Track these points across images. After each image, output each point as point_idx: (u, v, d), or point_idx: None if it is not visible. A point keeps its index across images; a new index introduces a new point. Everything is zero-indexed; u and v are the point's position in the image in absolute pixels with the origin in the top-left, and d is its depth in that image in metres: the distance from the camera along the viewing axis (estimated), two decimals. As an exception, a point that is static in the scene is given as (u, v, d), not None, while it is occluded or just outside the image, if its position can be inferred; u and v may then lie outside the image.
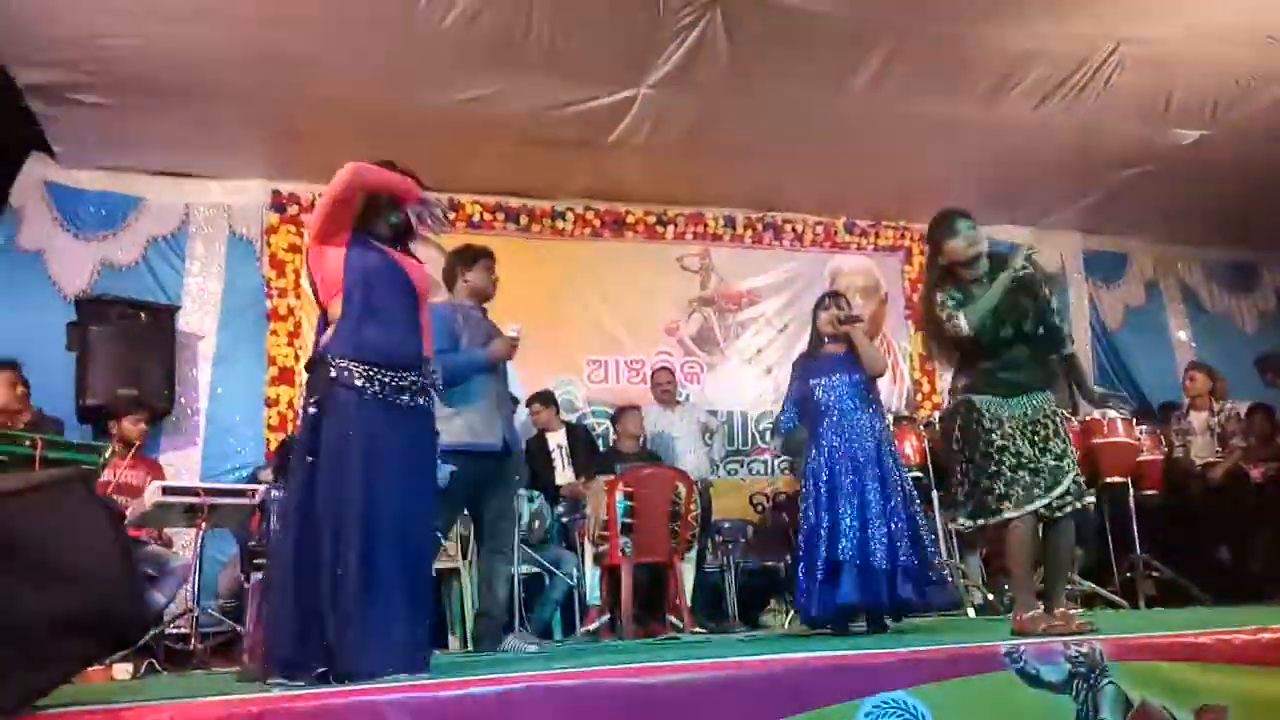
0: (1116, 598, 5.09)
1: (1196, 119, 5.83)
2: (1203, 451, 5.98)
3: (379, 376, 2.49)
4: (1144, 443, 5.38)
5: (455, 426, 3.49)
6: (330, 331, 2.55)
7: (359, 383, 2.46)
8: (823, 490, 3.76)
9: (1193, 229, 7.79)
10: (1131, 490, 5.22)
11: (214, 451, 5.72)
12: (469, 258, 3.87)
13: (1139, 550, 5.18)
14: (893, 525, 3.65)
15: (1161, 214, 7.38)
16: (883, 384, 6.20)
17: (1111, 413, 4.99)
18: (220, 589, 5.08)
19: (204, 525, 4.24)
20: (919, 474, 5.10)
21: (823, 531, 3.70)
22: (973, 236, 3.09)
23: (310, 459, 2.44)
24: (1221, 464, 5.81)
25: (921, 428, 5.48)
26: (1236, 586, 5.20)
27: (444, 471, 3.19)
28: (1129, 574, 5.22)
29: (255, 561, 4.37)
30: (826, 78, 5.24)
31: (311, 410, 2.48)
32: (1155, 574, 5.20)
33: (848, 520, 3.67)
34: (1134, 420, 5.32)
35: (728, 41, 4.83)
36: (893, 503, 3.69)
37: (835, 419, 3.84)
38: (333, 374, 2.46)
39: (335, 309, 2.54)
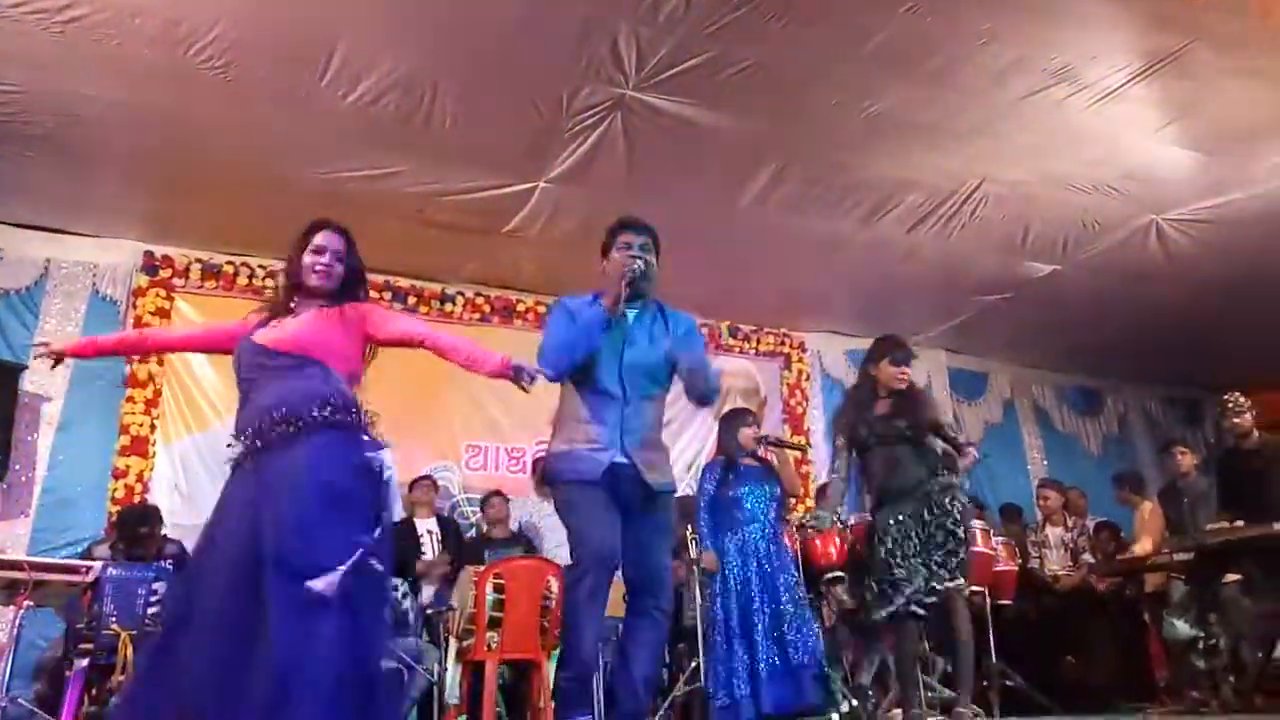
0: (973, 705, 5.19)
1: (1049, 254, 6.36)
2: (1057, 565, 6.29)
3: (244, 442, 2.48)
4: (1000, 553, 5.61)
5: None
6: None
7: (235, 457, 2.50)
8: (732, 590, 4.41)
9: (1046, 354, 8.41)
10: (988, 599, 5.41)
11: (47, 524, 5.26)
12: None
13: (994, 659, 5.33)
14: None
15: (1018, 338, 7.94)
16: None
17: (973, 523, 5.18)
18: (38, 675, 4.59)
19: (26, 603, 3.85)
20: (840, 572, 5.07)
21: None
22: None
23: None
24: (1071, 577, 6.11)
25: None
26: (1083, 696, 5.41)
27: None
28: (984, 682, 5.35)
29: (82, 646, 3.98)
30: (717, 188, 5.49)
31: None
32: (1008, 682, 5.36)
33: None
34: (990, 531, 5.55)
35: (626, 145, 5.01)
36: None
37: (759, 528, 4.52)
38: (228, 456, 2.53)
39: None
